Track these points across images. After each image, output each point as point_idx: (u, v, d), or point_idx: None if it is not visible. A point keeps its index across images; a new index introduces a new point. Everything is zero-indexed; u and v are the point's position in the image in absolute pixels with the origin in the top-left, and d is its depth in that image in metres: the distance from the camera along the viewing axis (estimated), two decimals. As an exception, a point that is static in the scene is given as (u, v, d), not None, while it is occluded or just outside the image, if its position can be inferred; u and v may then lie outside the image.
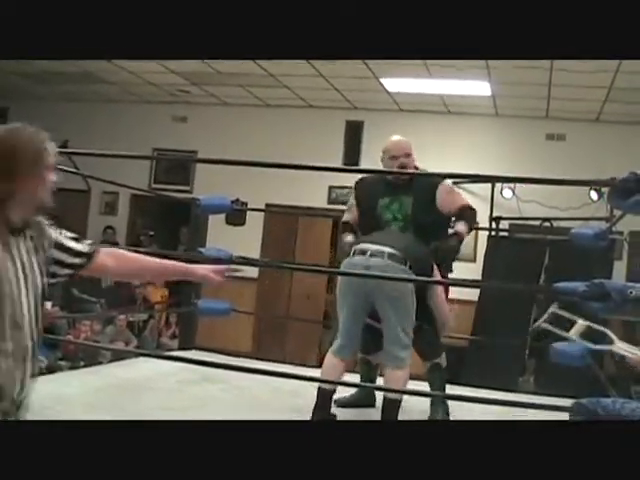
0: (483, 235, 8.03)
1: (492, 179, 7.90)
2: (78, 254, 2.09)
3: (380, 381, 4.13)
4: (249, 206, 8.11)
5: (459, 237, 3.88)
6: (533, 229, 8.14)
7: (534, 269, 7.32)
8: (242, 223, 9.07)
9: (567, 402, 2.81)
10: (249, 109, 9.72)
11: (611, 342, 3.41)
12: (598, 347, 3.50)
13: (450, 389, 4.13)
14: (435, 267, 3.83)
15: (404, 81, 7.97)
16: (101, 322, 8.23)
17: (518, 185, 8.33)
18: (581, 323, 3.78)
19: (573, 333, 3.76)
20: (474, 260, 8.26)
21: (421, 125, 8.76)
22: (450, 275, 4.27)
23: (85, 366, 6.79)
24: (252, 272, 8.94)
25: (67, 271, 2.09)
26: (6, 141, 1.87)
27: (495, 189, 8.34)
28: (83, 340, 7.57)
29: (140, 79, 8.89)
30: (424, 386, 4.04)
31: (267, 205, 8.97)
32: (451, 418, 3.95)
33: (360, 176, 4.33)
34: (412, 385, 3.97)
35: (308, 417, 3.62)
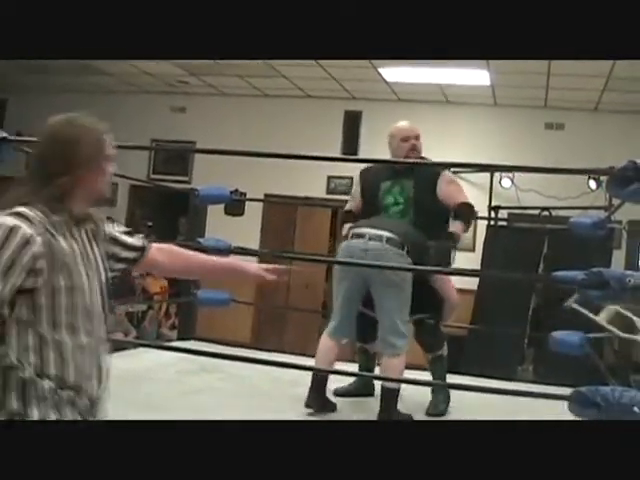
0: (482, 224, 8.02)
1: (491, 168, 7.90)
2: (132, 248, 2.06)
3: (378, 370, 4.14)
4: (248, 196, 8.09)
5: (455, 238, 3.89)
6: (532, 218, 8.12)
7: (533, 258, 7.33)
8: (241, 213, 9.07)
9: (566, 391, 2.82)
10: (247, 99, 9.69)
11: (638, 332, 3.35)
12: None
13: (449, 378, 4.14)
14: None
15: (403, 70, 7.94)
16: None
17: (517, 174, 8.32)
18: (610, 308, 3.71)
19: (602, 317, 3.69)
20: (473, 249, 8.25)
21: (420, 115, 8.68)
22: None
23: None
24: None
25: (121, 265, 2.04)
26: (69, 132, 1.83)
27: (494, 178, 8.33)
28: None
29: (138, 70, 8.87)
30: (425, 375, 4.05)
31: (266, 195, 8.95)
32: (451, 405, 3.97)
33: (364, 166, 4.35)
34: (413, 374, 3.99)
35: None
